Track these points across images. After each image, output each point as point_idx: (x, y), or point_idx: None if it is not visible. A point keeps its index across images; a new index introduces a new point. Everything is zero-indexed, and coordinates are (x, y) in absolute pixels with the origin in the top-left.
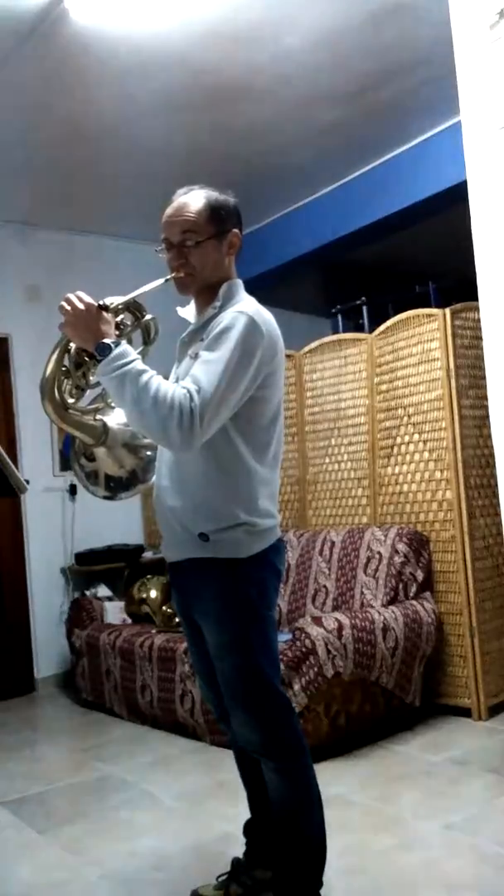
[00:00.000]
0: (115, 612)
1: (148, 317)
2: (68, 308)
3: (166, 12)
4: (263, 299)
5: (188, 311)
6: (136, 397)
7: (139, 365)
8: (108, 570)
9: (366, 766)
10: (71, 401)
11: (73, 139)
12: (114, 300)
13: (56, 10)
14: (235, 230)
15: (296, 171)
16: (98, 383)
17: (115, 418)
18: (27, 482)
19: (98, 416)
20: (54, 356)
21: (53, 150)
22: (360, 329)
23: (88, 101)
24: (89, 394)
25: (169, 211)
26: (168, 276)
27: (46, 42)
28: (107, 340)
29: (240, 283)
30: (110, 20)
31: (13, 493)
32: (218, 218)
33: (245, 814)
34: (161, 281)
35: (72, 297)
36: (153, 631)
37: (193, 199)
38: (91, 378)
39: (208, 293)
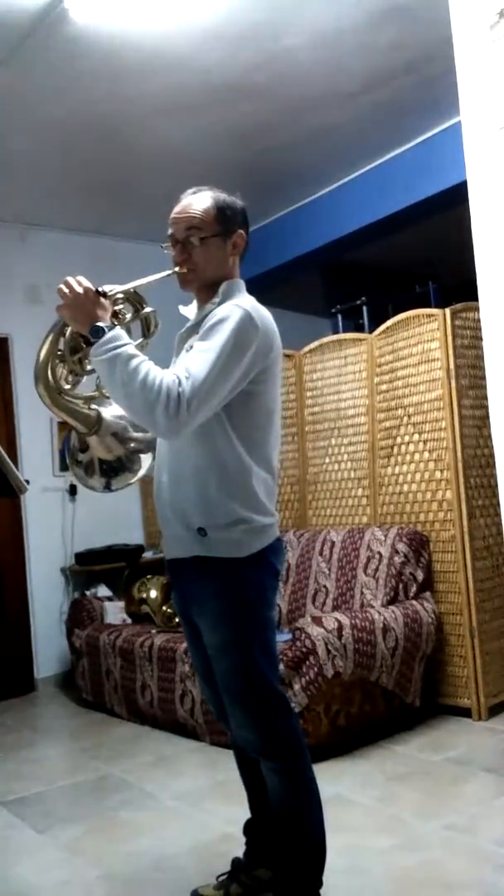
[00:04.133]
0: (115, 612)
1: (148, 309)
2: (66, 291)
3: (166, 12)
4: (263, 299)
5: (189, 310)
6: (125, 380)
7: (130, 349)
8: (108, 570)
9: (366, 766)
10: (67, 387)
11: (72, 139)
12: (113, 288)
13: (56, 10)
14: (241, 231)
15: (296, 171)
16: (94, 370)
17: (111, 410)
18: (27, 482)
19: (93, 406)
20: (49, 338)
21: (53, 150)
22: (360, 329)
23: (88, 101)
24: (88, 383)
25: (176, 208)
26: (170, 271)
27: (46, 42)
28: (101, 324)
29: (241, 282)
30: (110, 20)
31: (13, 493)
32: (223, 217)
33: (245, 814)
34: (162, 274)
35: (70, 280)
36: (153, 631)
37: (200, 198)
38: (87, 365)
39: (209, 291)
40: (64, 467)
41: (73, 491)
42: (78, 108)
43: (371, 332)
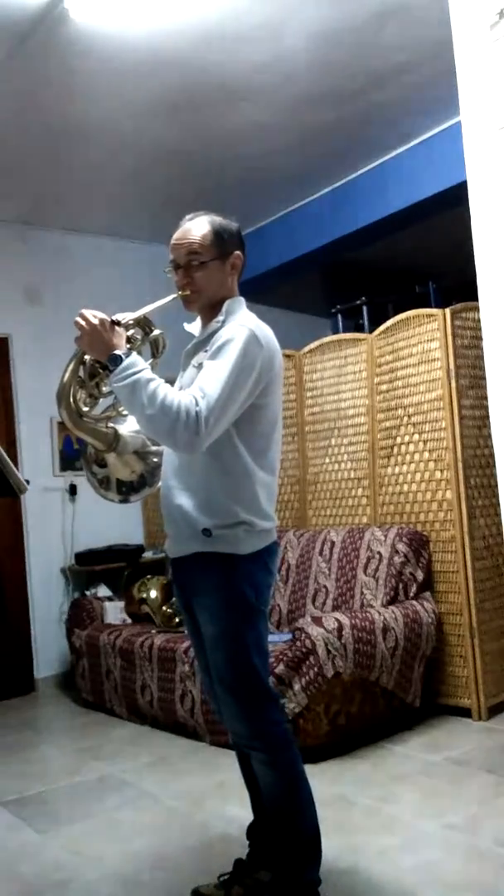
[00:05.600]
0: (115, 612)
1: (156, 332)
2: (83, 323)
3: (166, 12)
4: (264, 299)
5: (194, 327)
6: (146, 403)
7: (148, 374)
8: (108, 570)
9: (366, 766)
10: (85, 409)
11: (73, 139)
12: (125, 316)
13: (56, 11)
14: (237, 252)
15: (295, 171)
16: (110, 393)
17: (127, 427)
18: (27, 482)
19: (110, 424)
20: (70, 366)
21: (53, 150)
22: (360, 329)
23: (88, 101)
24: (103, 404)
25: (176, 235)
26: (174, 295)
27: (46, 42)
28: (118, 352)
29: (242, 300)
30: (110, 20)
31: (13, 493)
32: (221, 241)
33: (245, 814)
34: (169, 299)
35: (86, 312)
36: (153, 631)
37: (198, 224)
38: (104, 388)
39: (212, 309)
40: (64, 467)
41: (73, 491)
42: (78, 107)
43: (371, 332)
